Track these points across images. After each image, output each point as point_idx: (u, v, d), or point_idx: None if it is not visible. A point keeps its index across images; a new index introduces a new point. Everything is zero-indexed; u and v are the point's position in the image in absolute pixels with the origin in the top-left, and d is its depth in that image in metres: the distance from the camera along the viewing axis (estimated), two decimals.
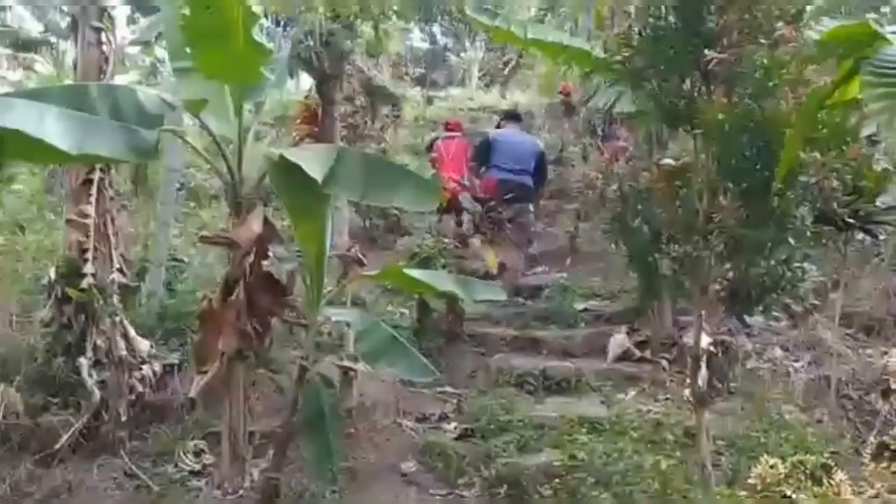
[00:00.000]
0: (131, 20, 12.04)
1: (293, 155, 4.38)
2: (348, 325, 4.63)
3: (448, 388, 6.14)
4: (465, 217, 6.43)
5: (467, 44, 20.11)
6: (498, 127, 9.08)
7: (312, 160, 4.30)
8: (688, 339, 6.39)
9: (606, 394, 6.02)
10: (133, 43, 11.42)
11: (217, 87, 4.61)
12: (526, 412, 5.67)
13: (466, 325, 6.98)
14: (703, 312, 7.04)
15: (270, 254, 4.68)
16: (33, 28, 11.62)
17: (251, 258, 4.45)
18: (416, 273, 4.54)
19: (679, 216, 3.87)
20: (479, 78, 18.52)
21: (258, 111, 4.93)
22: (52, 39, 11.30)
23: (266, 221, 4.59)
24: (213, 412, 5.21)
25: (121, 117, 3.91)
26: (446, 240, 7.44)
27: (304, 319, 4.71)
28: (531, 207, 8.19)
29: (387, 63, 17.03)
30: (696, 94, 3.76)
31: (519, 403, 5.82)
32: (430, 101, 13.63)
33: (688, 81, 3.78)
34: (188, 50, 4.36)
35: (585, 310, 7.50)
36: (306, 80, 10.92)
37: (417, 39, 25.07)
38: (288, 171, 4.33)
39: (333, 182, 4.25)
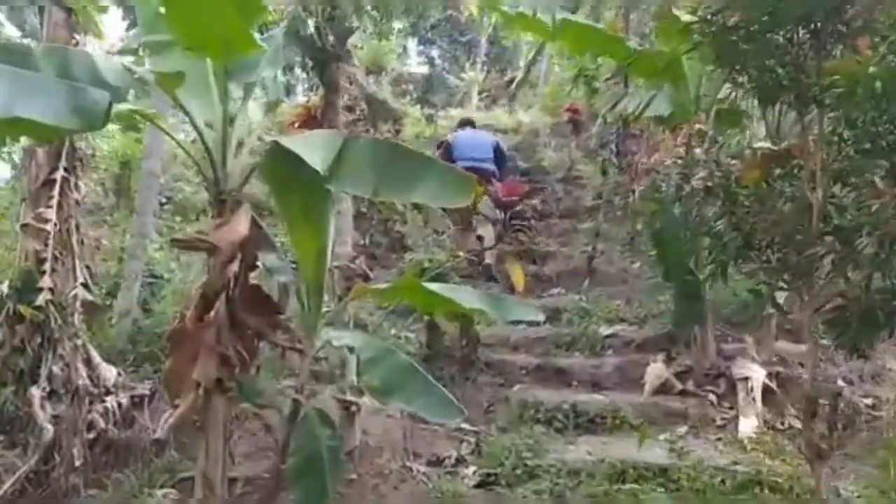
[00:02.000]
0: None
1: (290, 142, 3.47)
2: (351, 350, 3.68)
3: (465, 426, 5.17)
4: (485, 227, 5.54)
5: (466, 65, 19.35)
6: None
7: (313, 148, 3.38)
8: (738, 369, 5.49)
9: (650, 433, 5.09)
10: (121, 52, 10.57)
11: (198, 61, 3.71)
12: (556, 455, 4.73)
13: (482, 351, 6.04)
14: (752, 338, 6.18)
15: (259, 263, 3.76)
16: (12, 33, 10.73)
17: (235, 267, 3.51)
18: (435, 287, 3.60)
19: (785, 214, 2.94)
20: (480, 98, 17.69)
21: (248, 93, 4.01)
22: (31, 42, 10.40)
23: (254, 223, 3.67)
24: (188, 453, 4.24)
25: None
26: (461, 254, 6.55)
27: (298, 343, 3.77)
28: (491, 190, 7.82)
29: (387, 80, 16.25)
30: (806, 54, 2.86)
31: (547, 443, 4.87)
32: (430, 119, 12.72)
33: (797, 37, 2.87)
34: (161, 10, 3.49)
35: (613, 335, 6.57)
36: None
37: (415, 64, 24.44)
38: (283, 162, 3.42)
39: (338, 174, 3.34)
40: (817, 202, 2.81)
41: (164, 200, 9.08)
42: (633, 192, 9.23)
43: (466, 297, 3.70)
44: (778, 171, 2.99)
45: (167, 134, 3.99)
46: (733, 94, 5.64)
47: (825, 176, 2.84)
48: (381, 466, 4.51)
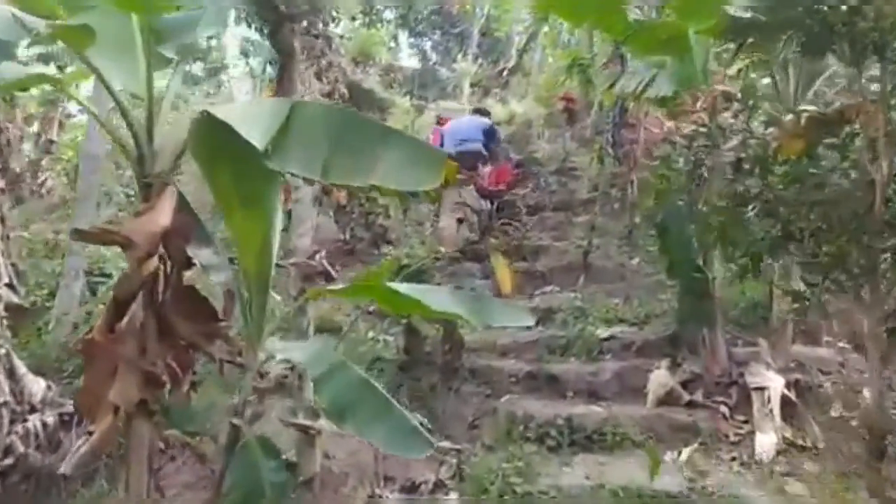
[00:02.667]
0: None
1: (224, 112, 2.79)
2: (292, 368, 3.00)
3: (445, 443, 4.50)
4: (449, 219, 4.86)
5: (458, 56, 18.68)
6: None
7: (252, 119, 2.68)
8: (753, 377, 4.84)
9: (653, 451, 4.44)
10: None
11: (121, 17, 3.03)
12: (550, 479, 4.08)
13: (466, 357, 5.37)
14: (766, 342, 5.51)
15: (197, 262, 3.10)
16: None
17: (154, 264, 2.85)
18: (403, 288, 2.91)
19: (838, 194, 2.27)
20: (472, 90, 17.01)
21: (183, 58, 3.33)
22: None
23: (182, 211, 3.01)
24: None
25: None
26: (442, 250, 5.89)
27: (240, 356, 3.11)
28: (479, 166, 7.42)
29: (375, 70, 15.58)
30: None
31: (539, 465, 4.22)
32: (420, 110, 12.03)
33: None
34: None
35: (611, 338, 5.91)
36: None
37: (406, 57, 23.75)
38: (215, 137, 2.75)
39: (282, 151, 2.65)
40: (881, 178, 2.15)
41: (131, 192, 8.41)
42: (631, 182, 8.59)
43: (440, 298, 3.01)
44: (828, 141, 2.33)
45: (80, 104, 3.30)
46: (745, 67, 5.04)
47: (890, 145, 2.17)
48: (346, 496, 3.85)
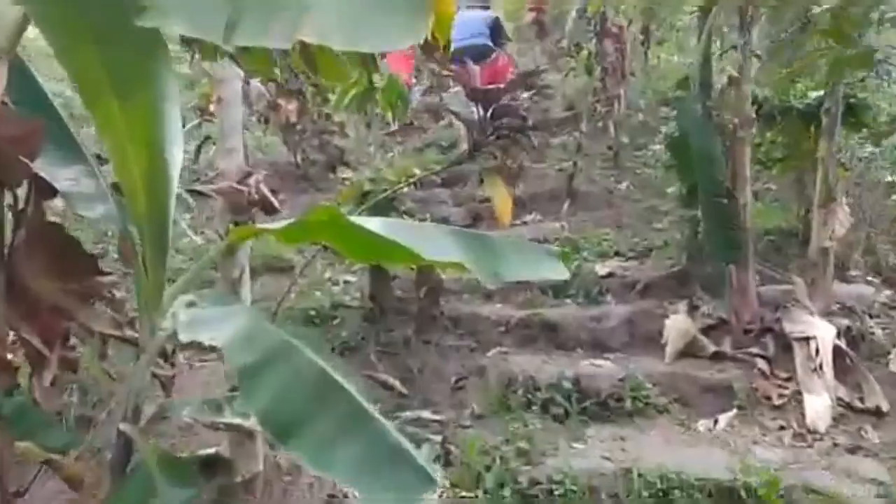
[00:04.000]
0: None
1: None
2: (212, 348, 1.89)
3: (423, 413, 3.49)
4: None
5: None
6: None
7: None
8: (793, 324, 3.90)
9: (684, 416, 3.51)
10: None
11: None
12: (559, 459, 3.11)
13: (446, 302, 4.32)
14: (801, 280, 4.55)
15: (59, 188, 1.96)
16: None
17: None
18: (374, 225, 1.79)
19: None
20: None
21: None
22: None
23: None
24: None
25: None
26: (418, 171, 4.78)
27: (131, 329, 2.02)
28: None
29: None
30: None
31: (545, 440, 3.24)
32: None
33: None
34: None
35: (610, 275, 4.92)
36: None
37: None
38: None
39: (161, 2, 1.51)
40: None
41: None
42: (618, 98, 7.51)
43: (432, 240, 1.92)
44: None
45: None
46: None
47: None
48: (296, 497, 2.82)
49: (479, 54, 7.53)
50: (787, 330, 3.85)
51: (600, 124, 7.55)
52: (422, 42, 1.50)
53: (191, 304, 1.96)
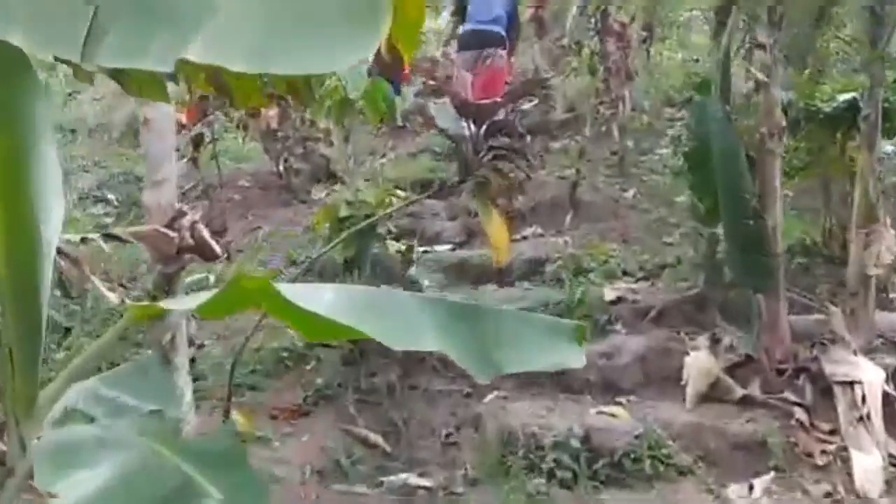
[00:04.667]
0: None
1: None
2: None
3: (410, 478, 2.95)
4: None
5: None
6: None
7: None
8: (835, 366, 3.34)
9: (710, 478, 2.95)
10: None
11: None
12: None
13: None
14: (838, 310, 3.93)
15: None
16: None
17: None
18: (321, 299, 1.23)
19: None
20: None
21: None
22: None
23: None
24: None
25: None
26: (401, 192, 4.24)
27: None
28: (502, 54, 6.31)
29: None
30: None
31: None
32: None
33: None
34: None
35: (619, 300, 4.37)
36: None
37: None
38: None
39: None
40: None
41: None
42: (622, 99, 6.95)
43: (395, 313, 1.35)
44: None
45: None
46: None
47: None
48: None
49: (487, 44, 6.79)
50: (828, 372, 3.30)
51: (603, 128, 6.98)
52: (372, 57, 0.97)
53: (68, 415, 1.43)
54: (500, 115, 2.57)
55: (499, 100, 2.52)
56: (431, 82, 2.61)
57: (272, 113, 5.83)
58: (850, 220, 4.86)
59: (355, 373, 3.41)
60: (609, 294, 4.38)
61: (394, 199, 3.42)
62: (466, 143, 2.61)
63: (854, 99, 4.39)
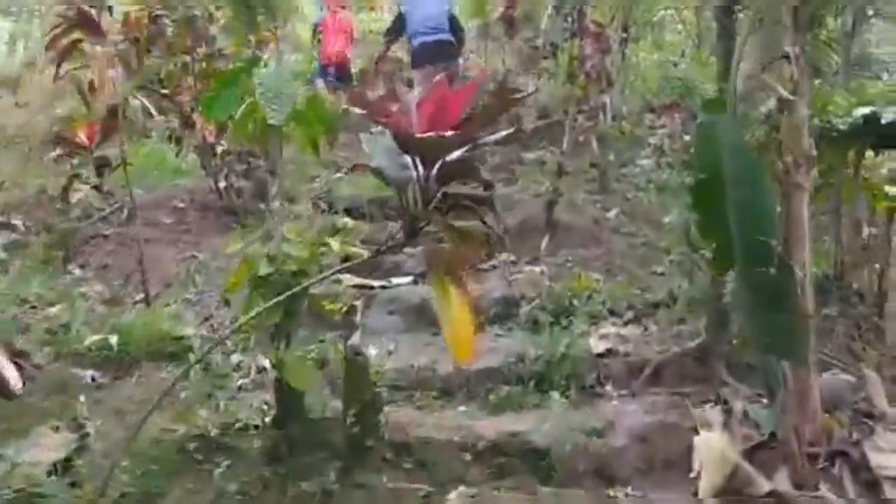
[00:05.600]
0: None
1: None
2: None
3: None
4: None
5: None
6: None
7: None
8: (879, 454, 2.63)
9: None
10: None
11: None
12: None
13: (387, 419, 2.96)
14: (876, 375, 3.05)
15: None
16: None
17: None
18: None
19: None
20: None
21: None
22: None
23: None
24: None
25: None
26: (347, 221, 3.48)
27: None
28: (459, 63, 6.79)
29: None
30: None
31: None
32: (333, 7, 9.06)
33: None
34: None
35: (608, 352, 3.63)
36: None
37: None
38: None
39: None
40: None
41: None
42: (602, 108, 6.21)
43: None
44: None
45: None
46: None
47: None
48: None
49: (449, 55, 6.23)
50: (874, 463, 2.59)
51: (581, 138, 6.22)
52: None
53: None
54: (457, 152, 1.81)
55: (456, 132, 1.74)
56: (361, 110, 1.82)
57: (210, 127, 5.00)
58: (868, 251, 4.24)
59: (283, 469, 2.61)
60: (597, 345, 3.64)
61: (337, 245, 2.62)
62: (412, 190, 1.85)
63: (873, 113, 3.72)
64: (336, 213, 5.15)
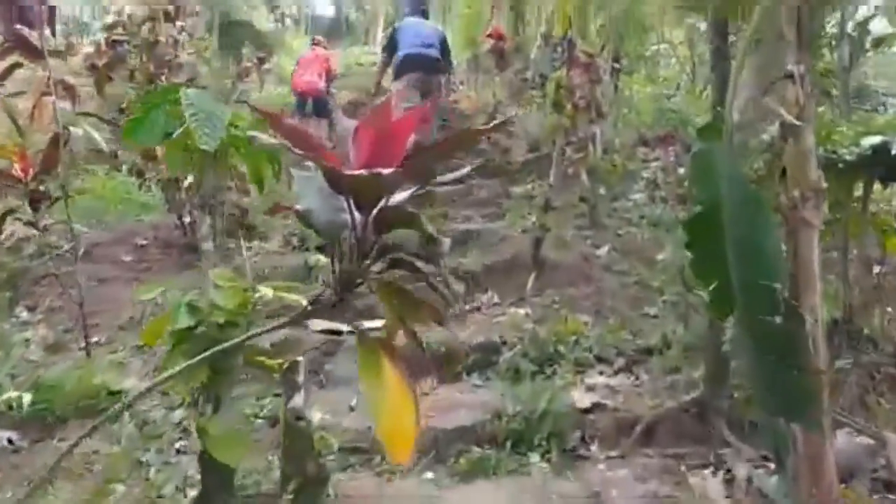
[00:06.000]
0: None
1: None
2: None
3: None
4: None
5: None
6: None
7: None
8: None
9: None
10: None
11: None
12: None
13: (338, 482, 2.57)
14: None
15: None
16: None
17: None
18: None
19: None
20: (384, 34, 13.91)
21: None
22: None
23: None
24: None
25: None
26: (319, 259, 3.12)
27: None
28: (441, 81, 6.87)
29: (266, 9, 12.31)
30: None
31: None
32: (316, 43, 8.81)
33: None
34: None
35: (594, 407, 3.23)
36: None
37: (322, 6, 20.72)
38: None
39: None
40: None
41: None
42: (592, 139, 5.88)
43: None
44: None
45: None
46: None
47: None
48: None
49: (426, 68, 6.37)
50: None
51: (570, 170, 5.87)
52: None
53: None
54: (404, 194, 1.44)
55: (404, 165, 1.37)
56: (282, 140, 1.45)
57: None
58: (879, 291, 3.87)
59: None
60: (582, 399, 3.23)
61: (274, 293, 2.24)
62: (347, 239, 1.48)
63: (883, 143, 3.39)
64: (307, 249, 4.79)
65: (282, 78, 8.70)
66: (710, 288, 2.69)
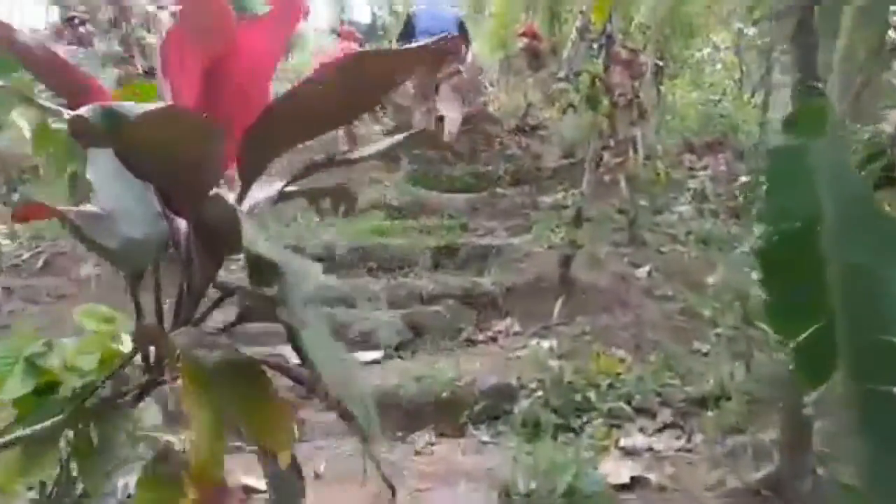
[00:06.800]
0: None
1: None
2: None
3: None
4: None
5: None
6: None
7: None
8: None
9: None
10: None
11: None
12: None
13: None
14: None
15: None
16: None
17: None
18: None
19: None
20: None
21: None
22: None
23: None
24: None
25: None
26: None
27: None
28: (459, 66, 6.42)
29: None
30: None
31: None
32: (343, 36, 8.08)
33: None
34: None
35: (634, 482, 2.45)
36: None
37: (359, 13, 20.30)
38: None
39: None
40: None
41: None
42: (633, 142, 5.08)
43: None
44: None
45: None
46: None
47: None
48: None
49: (454, 52, 6.09)
50: None
51: (607, 178, 5.07)
52: None
53: None
54: (268, 188, 0.72)
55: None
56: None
57: None
58: None
59: None
60: (618, 471, 2.45)
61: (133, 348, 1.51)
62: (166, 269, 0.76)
63: None
64: None
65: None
66: (798, 341, 1.88)
